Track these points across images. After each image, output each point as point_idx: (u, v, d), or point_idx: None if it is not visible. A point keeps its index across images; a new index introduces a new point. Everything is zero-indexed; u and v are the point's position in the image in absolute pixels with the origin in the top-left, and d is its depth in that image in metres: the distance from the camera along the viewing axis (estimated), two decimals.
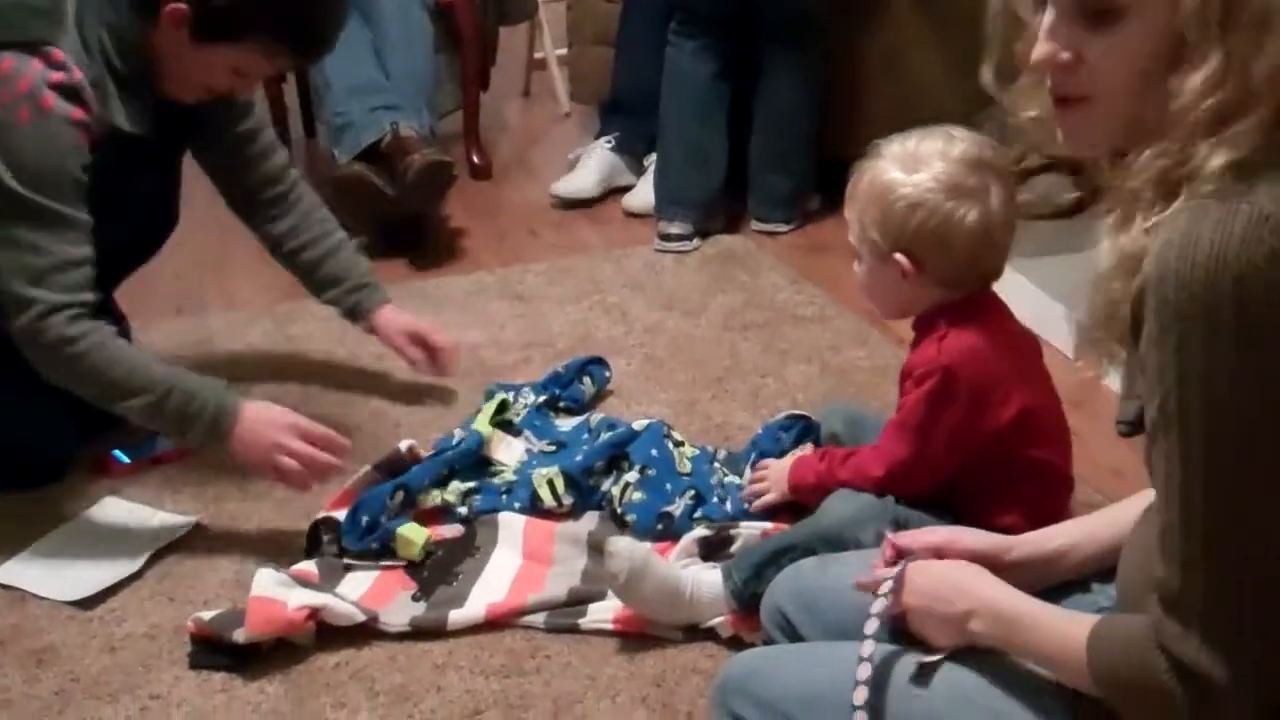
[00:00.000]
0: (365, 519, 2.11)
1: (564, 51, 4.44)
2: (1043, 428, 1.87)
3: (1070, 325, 2.65)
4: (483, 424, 2.36)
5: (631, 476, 2.18)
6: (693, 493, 2.15)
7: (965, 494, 1.87)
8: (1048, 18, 1.09)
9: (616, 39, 3.79)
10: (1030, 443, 1.85)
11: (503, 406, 2.44)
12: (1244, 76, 1.03)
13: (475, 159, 3.92)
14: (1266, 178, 1.02)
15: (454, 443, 2.31)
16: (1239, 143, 1.03)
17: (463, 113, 3.92)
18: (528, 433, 2.42)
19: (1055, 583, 1.41)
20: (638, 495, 2.15)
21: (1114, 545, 1.34)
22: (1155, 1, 1.05)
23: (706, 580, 1.90)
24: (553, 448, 2.36)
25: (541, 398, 2.50)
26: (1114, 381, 2.44)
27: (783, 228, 3.46)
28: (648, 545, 1.97)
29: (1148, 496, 1.33)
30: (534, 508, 2.18)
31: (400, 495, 2.15)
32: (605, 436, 2.30)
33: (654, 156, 3.65)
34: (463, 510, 2.19)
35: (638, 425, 2.32)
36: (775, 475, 2.10)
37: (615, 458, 2.25)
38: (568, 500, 2.18)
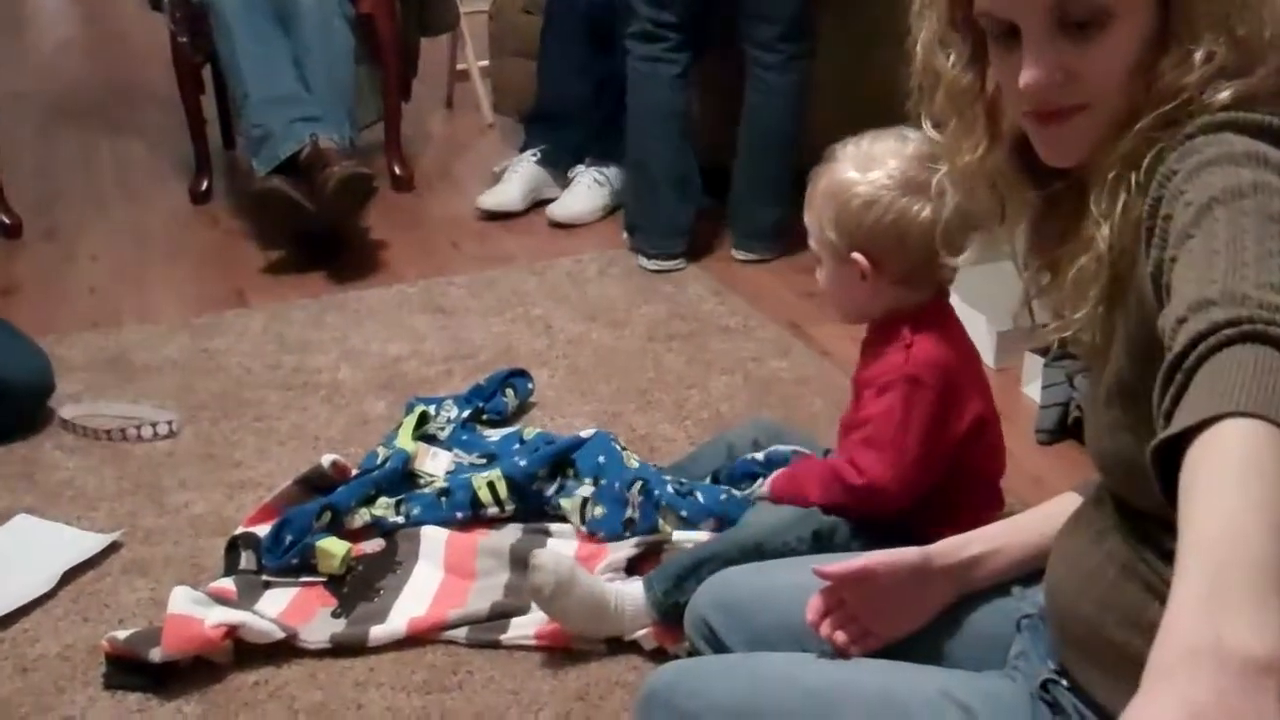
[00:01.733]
0: (289, 538, 2.08)
1: (486, 63, 4.42)
2: (990, 439, 1.87)
3: (991, 334, 2.68)
4: (405, 439, 2.33)
5: (586, 491, 2.15)
6: (640, 483, 2.08)
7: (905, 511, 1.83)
8: (1029, 45, 1.07)
9: (538, 52, 3.78)
10: (978, 454, 1.85)
11: (423, 419, 2.42)
12: (1245, 42, 1.01)
13: (397, 170, 3.89)
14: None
15: (379, 462, 2.28)
16: (1248, 81, 1.01)
17: (384, 124, 3.89)
18: (457, 450, 2.37)
19: (976, 590, 1.41)
20: (599, 510, 2.11)
21: (1038, 549, 1.34)
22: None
23: (629, 592, 1.90)
24: (484, 460, 2.33)
25: (465, 411, 2.48)
26: (1034, 392, 2.50)
27: (768, 255, 3.31)
28: (572, 559, 1.96)
29: (1069, 501, 1.33)
30: (474, 511, 2.15)
31: (327, 516, 2.12)
32: (548, 448, 2.25)
33: (579, 168, 3.64)
34: (399, 519, 2.16)
35: (585, 434, 2.28)
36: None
37: (559, 464, 2.22)
38: (510, 505, 2.16)
